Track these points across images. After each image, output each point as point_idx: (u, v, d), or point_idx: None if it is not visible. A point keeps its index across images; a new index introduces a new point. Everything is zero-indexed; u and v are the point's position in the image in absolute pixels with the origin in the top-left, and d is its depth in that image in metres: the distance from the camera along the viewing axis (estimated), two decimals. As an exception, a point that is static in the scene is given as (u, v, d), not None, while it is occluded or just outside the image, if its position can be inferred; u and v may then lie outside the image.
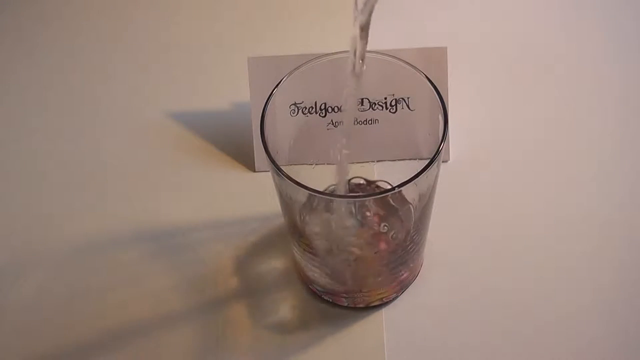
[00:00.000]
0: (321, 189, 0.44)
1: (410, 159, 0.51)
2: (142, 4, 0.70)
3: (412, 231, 0.49)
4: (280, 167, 0.43)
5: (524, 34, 0.66)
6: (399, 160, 0.51)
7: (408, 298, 0.52)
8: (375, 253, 0.50)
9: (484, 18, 0.68)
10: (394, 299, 0.52)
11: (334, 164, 0.47)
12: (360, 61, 0.43)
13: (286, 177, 0.43)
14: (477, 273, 0.53)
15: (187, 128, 0.61)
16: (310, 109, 0.51)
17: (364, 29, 0.42)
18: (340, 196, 0.46)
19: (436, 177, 0.46)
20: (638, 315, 0.51)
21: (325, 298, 0.52)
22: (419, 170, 0.43)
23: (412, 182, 0.42)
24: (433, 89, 0.45)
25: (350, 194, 0.47)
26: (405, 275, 0.51)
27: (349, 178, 0.51)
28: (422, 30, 0.65)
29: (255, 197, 0.57)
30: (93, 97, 0.64)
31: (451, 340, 0.51)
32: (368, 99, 0.51)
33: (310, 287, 0.53)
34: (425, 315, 0.52)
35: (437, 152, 0.43)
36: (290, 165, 0.49)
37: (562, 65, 0.64)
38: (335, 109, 0.52)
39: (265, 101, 0.45)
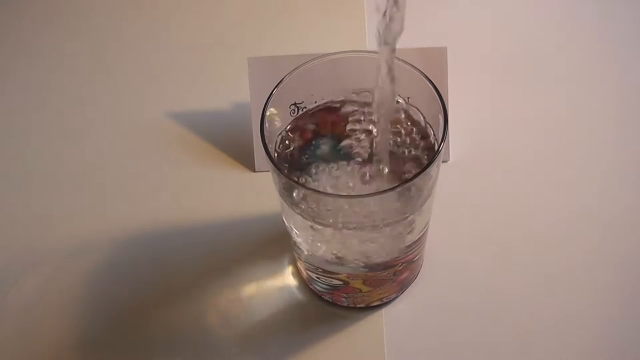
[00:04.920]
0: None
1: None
2: (142, 4, 0.71)
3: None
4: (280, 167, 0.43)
5: (524, 34, 0.66)
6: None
7: (408, 298, 0.52)
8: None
9: (484, 18, 0.68)
10: (394, 299, 0.52)
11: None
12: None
13: (286, 177, 0.43)
14: (477, 273, 0.53)
15: (187, 128, 0.61)
16: (311, 109, 0.51)
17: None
18: (341, 196, 0.46)
19: (436, 177, 0.46)
20: (638, 316, 0.51)
21: (325, 298, 0.52)
22: (418, 170, 0.43)
23: (412, 182, 0.42)
24: (433, 89, 0.45)
25: (350, 194, 0.47)
26: (405, 275, 0.51)
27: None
28: (422, 30, 0.65)
29: (255, 197, 0.57)
30: (93, 97, 0.64)
31: (451, 340, 0.51)
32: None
33: (310, 287, 0.53)
34: (425, 315, 0.52)
35: (437, 152, 0.43)
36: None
37: (562, 64, 0.64)
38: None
39: (265, 101, 0.45)
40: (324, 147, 0.47)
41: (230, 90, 0.63)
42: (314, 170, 0.46)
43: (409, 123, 0.48)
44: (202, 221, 0.56)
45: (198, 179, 0.59)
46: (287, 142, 0.48)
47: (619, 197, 0.56)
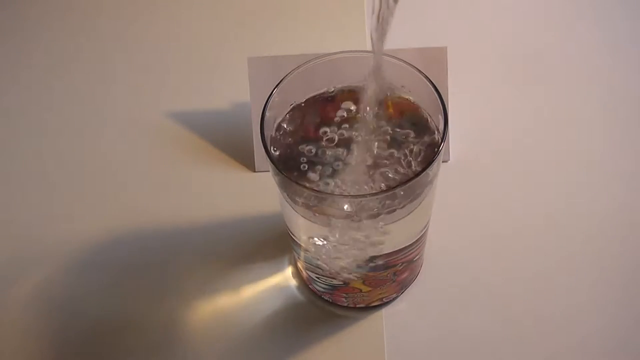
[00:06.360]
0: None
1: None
2: (142, 4, 0.71)
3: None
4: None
5: (524, 34, 0.66)
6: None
7: (408, 298, 0.52)
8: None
9: (484, 18, 0.68)
10: (394, 299, 0.52)
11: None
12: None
13: (286, 177, 0.43)
14: (477, 273, 0.53)
15: (187, 128, 0.61)
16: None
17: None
18: (341, 195, 0.46)
19: (436, 177, 0.46)
20: (637, 314, 0.51)
21: (325, 298, 0.52)
22: (418, 171, 0.43)
23: (412, 182, 0.42)
24: (433, 89, 0.45)
25: (350, 194, 0.47)
26: (405, 275, 0.51)
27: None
28: (422, 30, 0.65)
29: (255, 197, 0.57)
30: (93, 97, 0.64)
31: (451, 340, 0.51)
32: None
33: (310, 287, 0.53)
34: (425, 315, 0.52)
35: (437, 152, 0.43)
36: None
37: (562, 65, 0.64)
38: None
39: (265, 101, 0.45)
40: (324, 143, 0.47)
41: (230, 90, 0.63)
42: (314, 169, 0.46)
43: (414, 120, 0.48)
44: (202, 221, 0.56)
45: (198, 179, 0.59)
46: (286, 139, 0.48)
47: (619, 197, 0.56)
